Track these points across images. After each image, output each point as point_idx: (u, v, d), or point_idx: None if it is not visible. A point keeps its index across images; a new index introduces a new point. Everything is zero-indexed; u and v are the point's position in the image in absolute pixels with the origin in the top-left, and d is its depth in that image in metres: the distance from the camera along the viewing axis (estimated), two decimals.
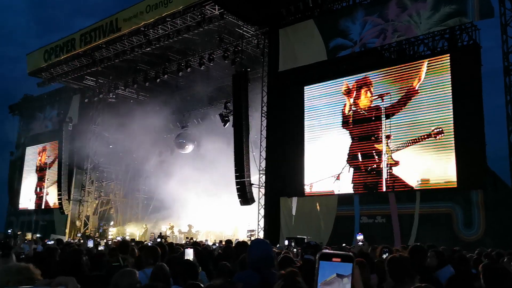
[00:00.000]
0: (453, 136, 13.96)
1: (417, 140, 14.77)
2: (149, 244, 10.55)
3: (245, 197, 17.81)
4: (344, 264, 1.29)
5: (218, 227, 23.30)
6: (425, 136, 14.59)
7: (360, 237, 7.00)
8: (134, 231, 26.68)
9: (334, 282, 1.28)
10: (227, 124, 21.76)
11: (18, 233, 25.32)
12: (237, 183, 17.95)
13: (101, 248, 9.83)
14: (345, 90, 16.91)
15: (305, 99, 17.97)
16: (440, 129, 14.20)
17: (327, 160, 16.92)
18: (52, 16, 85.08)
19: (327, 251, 1.33)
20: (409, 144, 14.90)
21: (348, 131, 16.65)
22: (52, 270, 4.69)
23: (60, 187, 26.60)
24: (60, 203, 26.49)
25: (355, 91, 16.64)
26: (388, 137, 15.47)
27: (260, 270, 3.48)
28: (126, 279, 3.83)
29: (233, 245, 10.04)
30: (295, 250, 9.31)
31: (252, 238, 17.17)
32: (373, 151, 15.75)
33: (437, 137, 14.28)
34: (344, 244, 10.76)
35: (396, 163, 15.10)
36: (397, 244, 11.17)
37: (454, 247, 9.10)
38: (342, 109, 16.90)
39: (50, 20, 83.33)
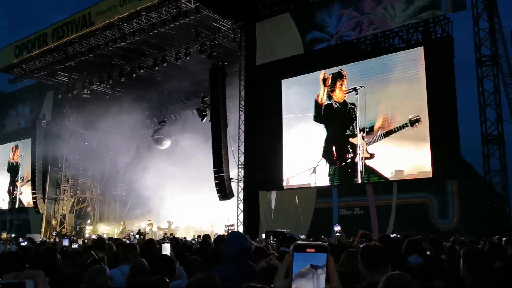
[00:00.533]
0: (428, 127, 14.20)
1: (392, 132, 14.97)
2: (127, 241, 10.43)
3: (224, 192, 17.76)
4: (319, 255, 1.28)
5: (198, 222, 23.21)
6: (400, 127, 14.79)
7: (337, 228, 7.07)
8: (112, 228, 26.36)
9: (308, 273, 1.26)
10: (205, 118, 21.64)
11: None
12: (215, 178, 17.88)
13: (75, 246, 9.65)
14: (321, 79, 17.01)
15: (282, 92, 18.01)
16: (418, 117, 14.41)
17: (304, 153, 17.01)
18: (23, 10, 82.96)
19: (300, 242, 1.32)
20: (383, 137, 15.10)
21: (323, 125, 16.78)
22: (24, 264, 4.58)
23: (34, 185, 26.03)
24: (34, 202, 25.93)
25: (330, 82, 16.76)
26: (362, 130, 15.63)
27: (238, 263, 3.46)
28: (100, 276, 3.78)
29: (212, 239, 10.02)
30: (273, 242, 9.33)
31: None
32: (348, 145, 15.91)
33: (415, 125, 14.47)
34: (322, 236, 10.84)
35: (372, 156, 15.28)
36: (375, 235, 11.31)
37: (429, 236, 9.24)
38: (316, 98, 17.00)
39: (21, 15, 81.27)
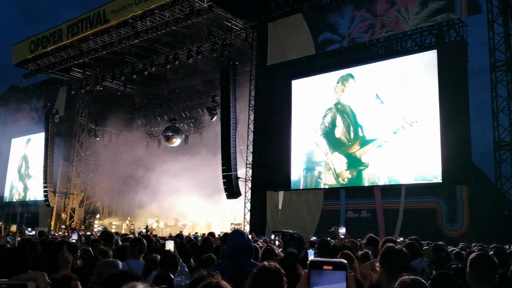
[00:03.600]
0: (439, 131, 14.05)
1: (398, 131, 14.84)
2: (132, 236, 10.47)
3: (232, 191, 17.77)
4: (337, 273, 1.20)
5: (205, 220, 23.26)
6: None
7: (342, 230, 7.01)
8: (119, 224, 26.53)
9: None
10: (215, 117, 21.69)
11: (0, 224, 24.99)
12: (223, 177, 17.90)
13: (73, 239, 9.69)
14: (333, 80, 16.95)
15: (292, 93, 17.97)
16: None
17: (313, 154, 16.95)
18: (38, 7, 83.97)
19: (317, 258, 1.25)
20: (390, 140, 14.97)
21: (332, 126, 16.68)
22: (28, 263, 4.61)
23: (45, 179, 26.31)
24: (45, 196, 26.21)
25: (340, 84, 16.68)
26: (371, 132, 15.53)
27: (236, 259, 3.46)
28: (109, 270, 3.79)
29: (216, 237, 10.03)
30: (277, 242, 9.30)
31: None
32: (356, 147, 15.80)
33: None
34: (328, 238, 10.78)
35: (379, 159, 15.16)
36: (381, 239, 11.22)
37: (438, 242, 9.16)
38: (326, 100, 16.93)
39: (36, 11, 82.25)
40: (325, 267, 1.21)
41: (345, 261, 1.22)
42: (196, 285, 2.56)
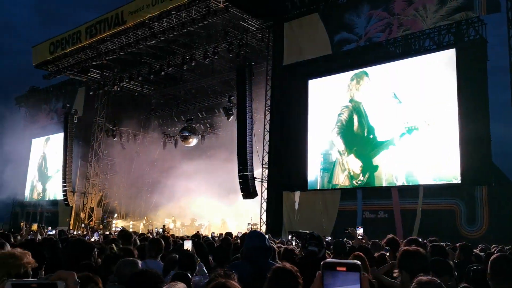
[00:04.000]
0: (457, 131, 13.86)
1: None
2: (150, 236, 10.57)
3: (248, 191, 17.80)
4: (350, 274, 1.20)
5: (221, 220, 23.33)
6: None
7: (359, 231, 6.97)
8: (137, 223, 26.79)
9: None
10: (231, 117, 21.75)
11: (21, 224, 25.45)
12: (239, 177, 17.95)
13: (94, 238, 9.85)
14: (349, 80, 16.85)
15: (309, 93, 17.91)
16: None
17: (330, 154, 16.88)
18: (57, 9, 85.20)
19: (330, 259, 1.25)
20: (407, 140, 14.83)
21: (349, 126, 16.59)
22: (51, 261, 4.70)
23: (65, 179, 26.74)
24: (64, 195, 26.63)
25: (356, 83, 16.58)
26: (387, 132, 15.40)
27: (253, 260, 3.47)
28: (129, 268, 3.84)
29: (234, 237, 10.07)
30: (293, 243, 9.29)
31: None
32: (374, 147, 15.69)
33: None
34: (345, 239, 10.73)
35: (396, 159, 15.02)
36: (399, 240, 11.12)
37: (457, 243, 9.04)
38: (342, 99, 16.84)
39: (55, 13, 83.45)
40: (338, 268, 1.20)
41: (359, 262, 1.21)
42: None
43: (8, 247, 4.16)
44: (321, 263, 1.22)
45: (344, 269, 1.19)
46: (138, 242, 7.43)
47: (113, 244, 5.80)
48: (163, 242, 5.99)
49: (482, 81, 13.61)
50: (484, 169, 13.35)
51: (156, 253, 5.49)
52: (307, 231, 13.21)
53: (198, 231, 19.89)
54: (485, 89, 13.52)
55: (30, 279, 1.45)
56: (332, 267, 1.20)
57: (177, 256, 4.80)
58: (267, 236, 5.00)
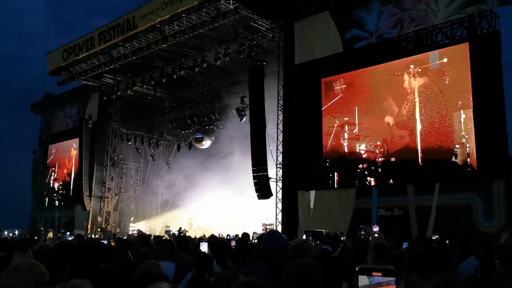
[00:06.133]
0: (473, 126, 13.70)
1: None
2: (167, 238, 10.66)
3: (263, 191, 17.82)
4: (386, 279, 1.19)
5: (236, 221, 23.39)
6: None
7: (375, 229, 6.91)
8: (153, 226, 26.99)
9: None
10: (244, 118, 21.79)
11: (41, 229, 25.88)
12: (254, 177, 17.97)
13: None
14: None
15: (322, 91, 17.85)
16: None
17: (344, 153, 16.81)
18: (69, 16, 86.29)
19: (366, 265, 1.24)
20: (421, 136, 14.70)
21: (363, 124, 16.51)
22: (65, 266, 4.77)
23: (81, 183, 27.07)
24: (81, 200, 26.96)
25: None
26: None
27: (271, 260, 3.48)
28: (152, 269, 3.87)
29: (250, 238, 10.09)
30: (312, 243, 9.27)
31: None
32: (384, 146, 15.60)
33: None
34: (362, 236, 10.69)
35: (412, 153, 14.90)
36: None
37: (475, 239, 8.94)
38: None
39: (68, 21, 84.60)
40: (374, 273, 1.19)
41: (394, 268, 1.20)
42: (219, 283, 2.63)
43: (30, 252, 4.24)
44: (356, 268, 1.21)
45: (380, 274, 1.18)
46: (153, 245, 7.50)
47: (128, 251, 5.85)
48: (175, 244, 6.01)
49: (496, 74, 13.41)
50: (501, 163, 13.15)
51: (169, 255, 5.52)
52: (323, 230, 13.21)
53: (214, 235, 19.94)
54: (500, 82, 13.31)
55: None
56: (368, 272, 1.19)
57: (189, 257, 4.82)
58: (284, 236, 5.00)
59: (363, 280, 1.18)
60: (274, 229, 17.94)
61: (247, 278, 2.28)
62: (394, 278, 1.18)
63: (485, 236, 11.86)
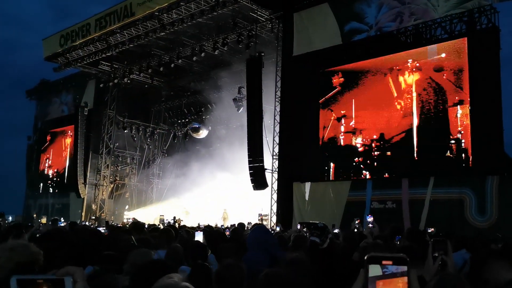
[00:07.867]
0: (469, 121, 13.74)
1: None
2: (161, 227, 10.67)
3: (258, 182, 17.85)
4: (400, 269, 1.14)
5: (232, 211, 23.45)
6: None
7: (370, 219, 6.97)
8: (148, 215, 26.99)
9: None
10: (241, 109, 21.75)
11: (34, 216, 25.84)
12: (250, 168, 17.99)
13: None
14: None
15: (319, 83, 17.82)
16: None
17: (340, 145, 16.84)
18: (66, 2, 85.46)
19: (375, 253, 1.18)
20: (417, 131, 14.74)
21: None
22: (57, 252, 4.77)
23: (76, 170, 27.00)
24: (76, 187, 26.91)
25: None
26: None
27: (268, 250, 3.52)
28: (141, 258, 3.88)
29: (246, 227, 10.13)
30: (306, 234, 9.30)
31: (264, 222, 17.29)
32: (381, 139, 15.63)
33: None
34: (356, 229, 10.72)
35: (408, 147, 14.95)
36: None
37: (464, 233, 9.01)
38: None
39: (65, 7, 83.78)
40: (384, 262, 1.14)
41: (405, 256, 1.15)
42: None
43: (25, 238, 4.23)
44: (365, 257, 1.16)
45: (390, 263, 1.14)
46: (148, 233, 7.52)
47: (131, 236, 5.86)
48: (173, 232, 6.04)
49: (494, 70, 13.42)
50: (496, 158, 13.22)
51: (167, 243, 5.54)
52: (317, 222, 13.25)
53: (209, 225, 19.98)
54: (497, 78, 13.33)
55: (36, 275, 1.42)
56: (377, 260, 1.14)
57: (180, 246, 4.81)
58: (278, 227, 5.00)
59: (375, 270, 1.13)
60: (269, 220, 18.04)
61: (269, 270, 2.27)
62: (405, 267, 1.13)
63: (477, 231, 11.95)
